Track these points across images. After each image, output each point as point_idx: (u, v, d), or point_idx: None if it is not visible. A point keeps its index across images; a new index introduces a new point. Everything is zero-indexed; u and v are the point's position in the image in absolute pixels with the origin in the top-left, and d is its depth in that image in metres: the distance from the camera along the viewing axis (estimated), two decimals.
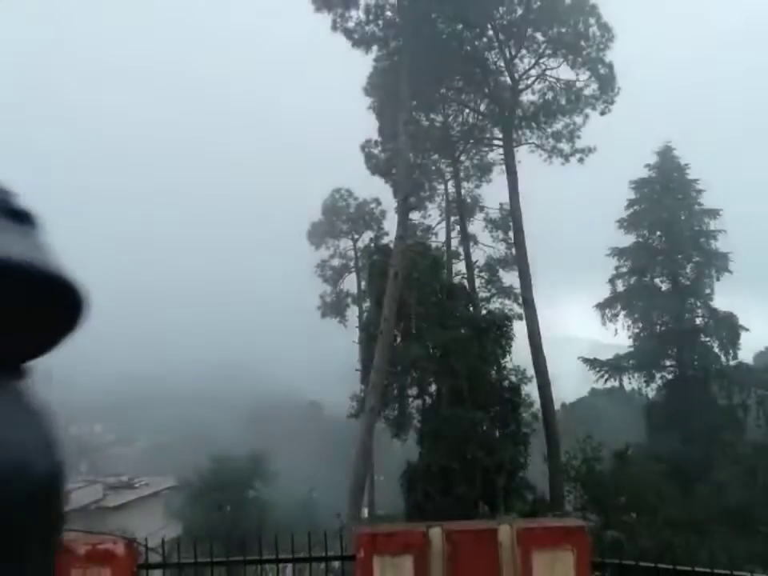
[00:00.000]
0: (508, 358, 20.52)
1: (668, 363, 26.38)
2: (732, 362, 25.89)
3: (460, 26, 18.97)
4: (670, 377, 26.27)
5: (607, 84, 21.18)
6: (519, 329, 21.59)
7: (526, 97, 22.04)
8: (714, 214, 26.30)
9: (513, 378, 20.59)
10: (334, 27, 18.62)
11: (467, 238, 25.98)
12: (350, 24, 18.65)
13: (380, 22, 18.82)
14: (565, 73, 21.41)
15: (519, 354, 21.61)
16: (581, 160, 22.28)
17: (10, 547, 0.43)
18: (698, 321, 26.41)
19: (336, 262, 31.27)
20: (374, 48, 19.57)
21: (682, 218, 26.38)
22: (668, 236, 26.32)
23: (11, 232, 0.46)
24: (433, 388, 20.00)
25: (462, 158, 25.13)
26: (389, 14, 18.96)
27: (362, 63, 20.82)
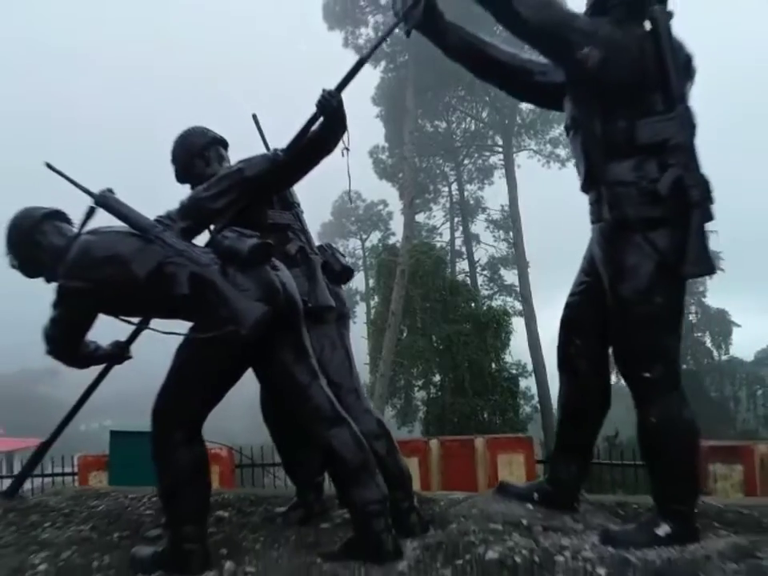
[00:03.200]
0: (507, 351, 22.42)
1: None
2: (724, 357, 27.85)
3: None
4: None
5: None
6: (523, 325, 23.60)
7: (525, 105, 24.06)
8: None
9: (513, 371, 22.56)
10: (346, 44, 20.68)
11: (470, 238, 27.98)
12: (360, 41, 20.71)
13: (388, 39, 20.83)
14: None
15: (522, 350, 23.58)
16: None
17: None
18: (692, 317, 28.34)
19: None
20: (383, 62, 21.60)
21: None
22: None
23: (341, 256, 2.59)
24: (437, 378, 21.89)
25: (465, 161, 27.12)
26: (396, 30, 20.94)
27: (370, 74, 22.88)
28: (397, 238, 26.66)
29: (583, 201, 2.22)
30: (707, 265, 1.90)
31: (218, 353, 2.04)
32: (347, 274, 2.62)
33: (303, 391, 2.13)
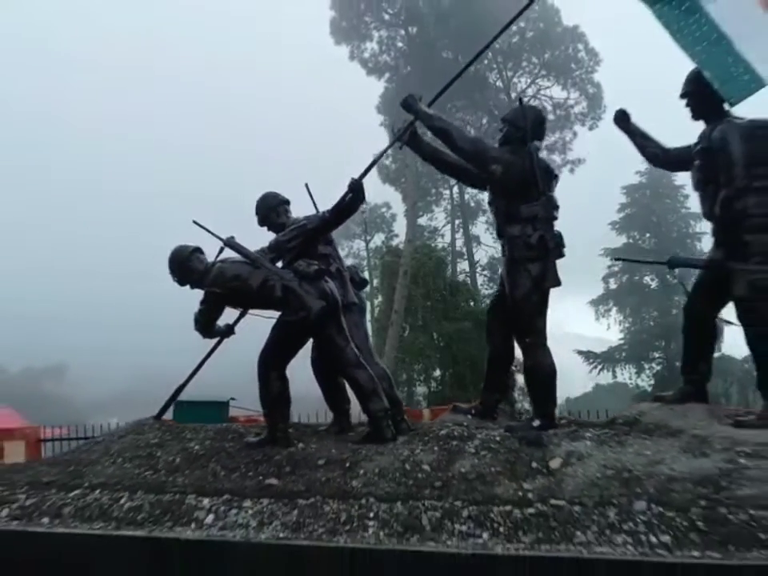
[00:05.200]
0: None
1: (657, 355, 30.01)
2: (716, 355, 29.44)
3: (460, 57, 22.73)
4: (658, 368, 29.91)
5: (595, 102, 24.96)
6: None
7: None
8: (699, 217, 29.90)
9: (512, 368, 24.20)
10: (352, 57, 22.49)
11: (470, 239, 29.77)
12: (366, 54, 22.52)
13: (392, 53, 22.64)
14: (557, 92, 25.24)
15: None
16: (572, 170, 26.10)
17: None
18: None
19: (350, 262, 34.90)
20: (387, 74, 23.39)
21: (670, 220, 30.08)
22: (657, 237, 29.98)
23: (360, 272, 4.42)
24: (437, 374, 23.53)
25: None
26: (400, 44, 22.78)
27: (375, 85, 24.65)
28: (399, 239, 28.42)
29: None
30: (556, 281, 3.71)
31: (296, 329, 3.86)
32: (364, 283, 4.46)
33: (341, 351, 3.94)
